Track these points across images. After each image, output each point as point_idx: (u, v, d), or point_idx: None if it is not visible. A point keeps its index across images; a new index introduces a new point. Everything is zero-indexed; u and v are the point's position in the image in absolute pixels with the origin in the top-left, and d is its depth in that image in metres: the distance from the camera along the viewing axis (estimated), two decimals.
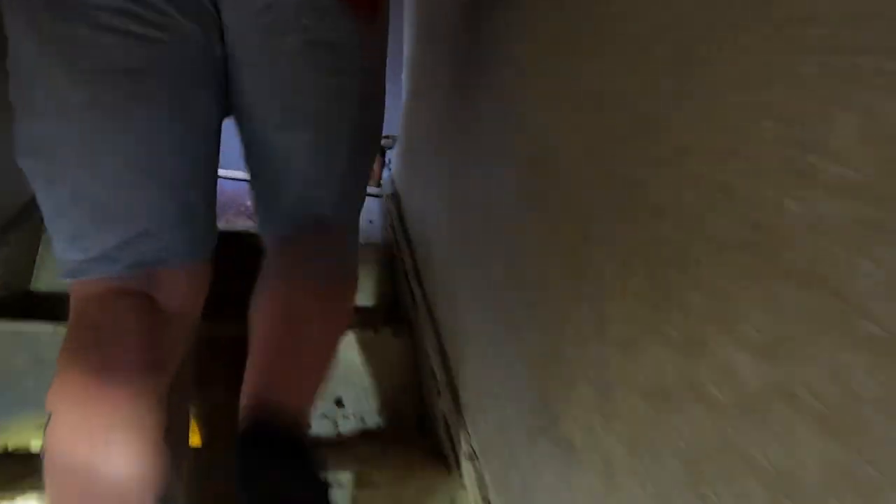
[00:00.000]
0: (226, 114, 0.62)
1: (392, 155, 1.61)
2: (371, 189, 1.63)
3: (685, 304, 0.34)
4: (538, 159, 0.61)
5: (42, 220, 0.53)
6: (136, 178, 0.51)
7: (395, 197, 1.49)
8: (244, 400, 0.58)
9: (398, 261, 1.31)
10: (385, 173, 1.62)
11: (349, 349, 1.07)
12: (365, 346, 1.08)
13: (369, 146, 0.72)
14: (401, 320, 1.17)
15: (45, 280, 1.10)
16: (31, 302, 1.08)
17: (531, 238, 0.62)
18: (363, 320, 1.19)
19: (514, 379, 0.65)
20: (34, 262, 1.11)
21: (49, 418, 0.47)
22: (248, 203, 1.59)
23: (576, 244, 0.51)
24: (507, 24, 0.75)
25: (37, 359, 0.89)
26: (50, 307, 1.06)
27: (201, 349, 0.79)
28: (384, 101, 0.72)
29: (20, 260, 1.07)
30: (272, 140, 0.63)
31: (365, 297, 1.33)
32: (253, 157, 0.66)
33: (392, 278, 1.35)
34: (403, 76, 1.60)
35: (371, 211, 1.61)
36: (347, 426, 1.06)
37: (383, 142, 1.62)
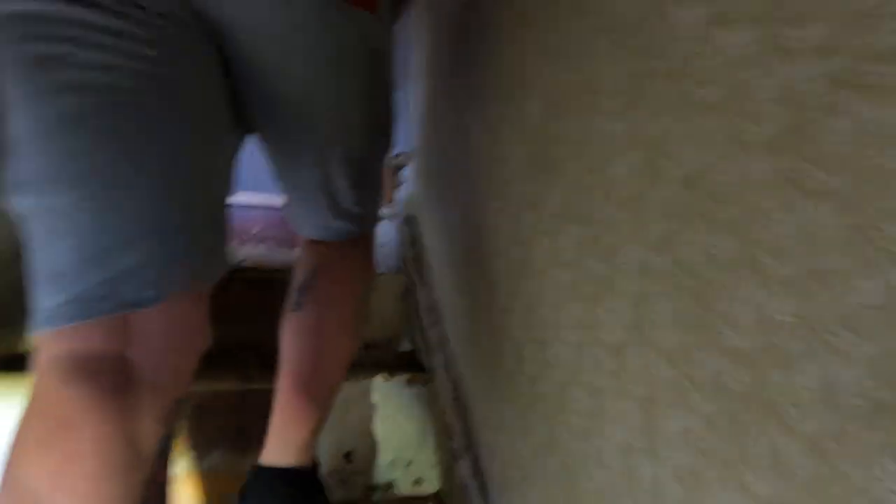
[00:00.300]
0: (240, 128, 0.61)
1: (406, 174, 1.50)
2: (382, 209, 1.53)
3: None
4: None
5: None
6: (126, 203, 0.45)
7: (410, 222, 1.39)
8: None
9: (412, 294, 1.20)
10: (399, 194, 1.51)
11: (360, 397, 0.97)
12: (376, 394, 0.98)
13: (379, 141, 0.70)
14: (417, 365, 1.07)
15: None
16: None
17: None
18: (375, 361, 1.08)
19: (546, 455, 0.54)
20: None
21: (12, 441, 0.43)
22: (255, 230, 1.50)
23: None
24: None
25: None
26: None
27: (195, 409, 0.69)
28: (391, 98, 0.70)
29: None
30: (280, 135, 0.62)
31: (377, 330, 1.23)
32: (271, 160, 0.67)
33: (407, 312, 1.24)
34: (415, 88, 1.50)
35: (383, 234, 1.50)
36: (357, 483, 0.96)
37: (396, 160, 1.51)
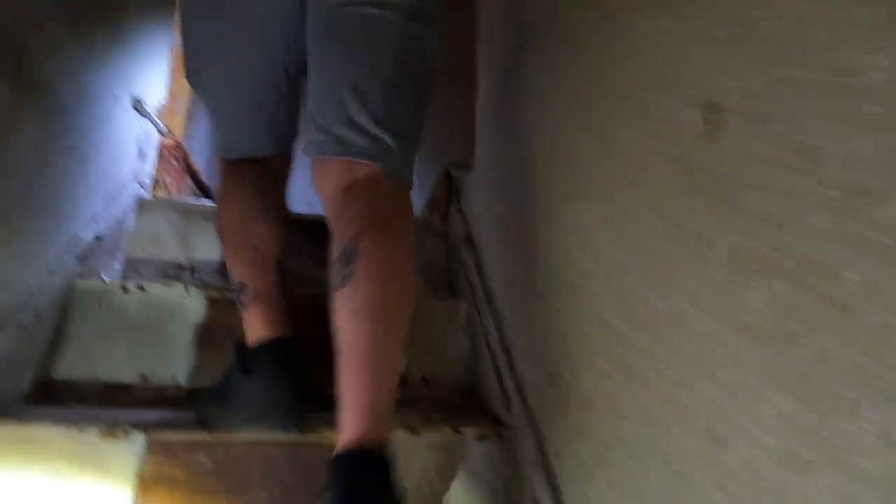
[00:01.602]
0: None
1: (464, 187, 1.35)
2: (436, 227, 1.38)
3: None
4: None
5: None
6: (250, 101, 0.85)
7: (470, 243, 1.23)
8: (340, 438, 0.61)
9: (478, 328, 1.04)
10: (455, 209, 1.36)
11: (422, 452, 0.81)
12: (442, 453, 0.82)
13: (413, 92, 0.76)
14: (490, 416, 0.90)
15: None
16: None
17: None
18: (440, 412, 0.92)
19: None
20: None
21: (218, 210, 0.90)
22: None
23: None
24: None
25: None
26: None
27: None
28: (434, 58, 0.80)
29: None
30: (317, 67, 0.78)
31: (437, 365, 1.07)
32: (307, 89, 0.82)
33: (472, 347, 1.08)
34: (481, 88, 1.35)
35: (437, 250, 1.36)
36: None
37: (454, 171, 1.37)
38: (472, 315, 1.09)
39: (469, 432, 0.83)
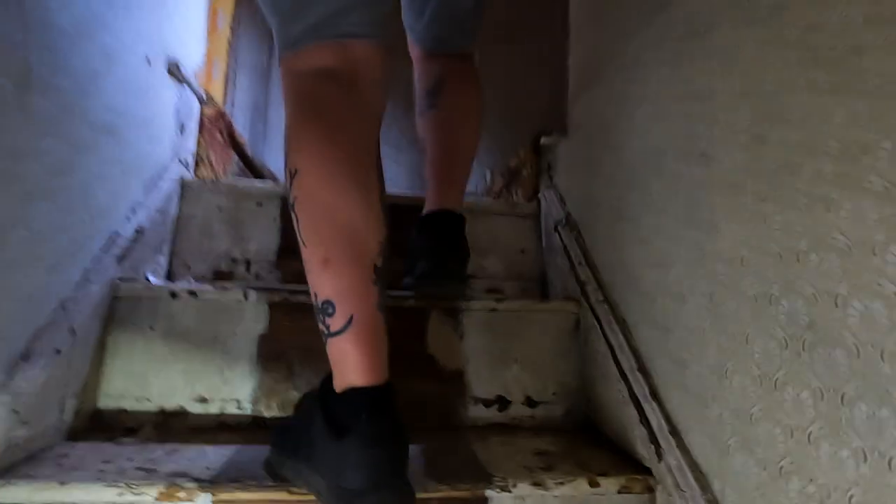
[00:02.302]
0: None
1: (557, 157, 1.12)
2: (522, 207, 1.17)
3: None
4: None
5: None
6: None
7: (570, 224, 1.01)
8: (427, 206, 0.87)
9: (595, 336, 0.84)
10: (546, 184, 1.14)
11: None
12: None
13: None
14: (624, 456, 0.70)
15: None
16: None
17: None
18: (558, 449, 0.74)
19: None
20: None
21: (295, 172, 0.58)
22: None
23: None
24: None
25: None
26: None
27: None
28: None
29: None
30: None
31: (543, 384, 0.88)
32: None
33: (587, 360, 0.88)
34: (573, 51, 1.09)
35: (523, 236, 1.14)
36: None
37: (544, 138, 1.13)
38: (585, 319, 0.89)
39: (608, 484, 0.65)
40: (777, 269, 0.51)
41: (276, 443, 0.62)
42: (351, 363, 0.55)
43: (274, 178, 1.87)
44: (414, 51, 0.96)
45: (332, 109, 0.60)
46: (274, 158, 2.73)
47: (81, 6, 0.71)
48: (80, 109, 0.72)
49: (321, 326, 0.57)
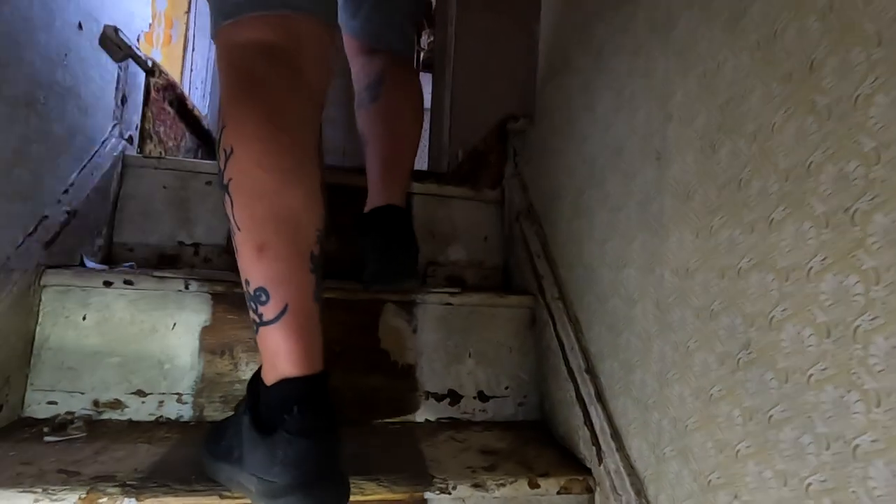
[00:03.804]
0: None
1: (524, 144, 1.09)
2: (486, 194, 1.14)
3: None
4: None
5: None
6: None
7: (532, 216, 0.99)
8: (369, 202, 0.86)
9: (549, 333, 0.83)
10: (509, 171, 1.11)
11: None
12: None
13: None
14: (570, 457, 0.71)
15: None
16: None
17: None
18: (505, 448, 0.74)
19: None
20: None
21: (230, 152, 0.54)
22: None
23: None
24: None
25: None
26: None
27: None
28: None
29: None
30: None
31: (496, 379, 0.88)
32: None
33: (541, 356, 0.88)
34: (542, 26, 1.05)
35: (486, 223, 1.12)
36: None
37: (510, 123, 1.10)
38: (541, 315, 0.88)
39: (549, 485, 0.65)
40: (720, 285, 0.50)
41: (208, 447, 0.60)
42: (283, 353, 0.53)
43: None
44: (350, 47, 0.92)
45: (271, 88, 0.56)
46: None
47: None
48: None
49: (253, 315, 0.55)
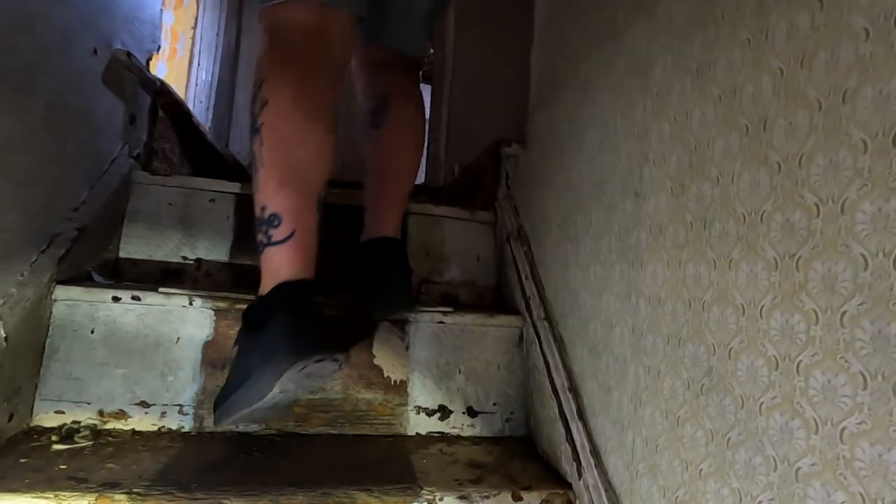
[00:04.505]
0: None
1: (516, 167, 1.13)
2: (479, 214, 1.18)
3: None
4: None
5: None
6: None
7: (521, 238, 1.03)
8: (366, 232, 0.91)
9: (536, 352, 0.87)
10: (502, 193, 1.16)
11: None
12: None
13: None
14: (552, 471, 0.75)
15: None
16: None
17: None
18: (491, 461, 0.78)
19: None
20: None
21: (266, 102, 0.67)
22: None
23: None
24: None
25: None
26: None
27: None
28: None
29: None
30: None
31: (485, 395, 0.92)
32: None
33: (528, 374, 0.92)
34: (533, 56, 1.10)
35: (479, 243, 1.17)
36: None
37: (504, 147, 1.14)
38: (528, 334, 0.92)
39: (531, 498, 0.69)
40: (686, 315, 0.54)
41: (217, 401, 0.67)
42: (286, 266, 0.66)
43: (238, 165, 1.83)
44: (360, 54, 0.95)
45: (305, 57, 0.69)
46: (241, 139, 2.66)
47: (13, 11, 0.68)
48: (14, 108, 0.70)
49: (261, 237, 0.67)
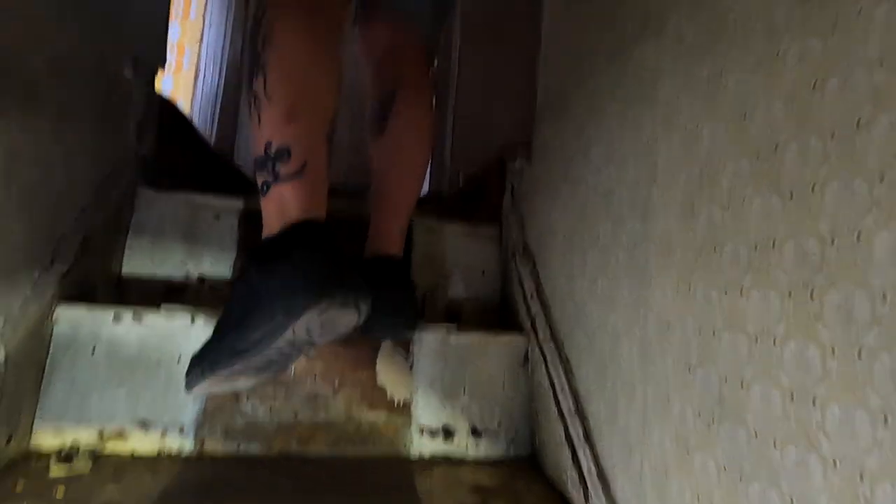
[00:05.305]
0: None
1: (521, 180, 1.13)
2: (484, 228, 1.18)
3: None
4: None
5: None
6: None
7: (526, 254, 1.03)
8: (369, 247, 0.87)
9: (541, 373, 0.86)
10: (507, 203, 1.15)
11: None
12: None
13: None
14: (560, 497, 0.73)
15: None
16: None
17: None
18: (496, 482, 0.76)
19: None
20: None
21: (269, 37, 0.64)
22: None
23: None
24: None
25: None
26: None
27: None
28: None
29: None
30: None
31: (490, 415, 0.90)
32: None
33: (533, 395, 0.90)
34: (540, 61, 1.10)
35: (484, 257, 1.16)
36: None
37: (509, 160, 1.14)
38: (533, 354, 0.91)
39: None
40: (696, 340, 0.53)
41: (207, 345, 0.62)
42: (296, 203, 0.61)
43: (241, 175, 1.84)
44: (362, 40, 0.92)
45: (320, 8, 0.68)
46: (247, 150, 2.67)
47: (24, 28, 0.69)
48: (19, 121, 0.70)
49: (266, 176, 0.62)
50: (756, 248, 0.46)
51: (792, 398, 0.42)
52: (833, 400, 0.38)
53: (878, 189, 0.36)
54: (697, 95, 0.56)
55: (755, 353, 0.45)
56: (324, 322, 0.59)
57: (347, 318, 0.61)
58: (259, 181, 0.63)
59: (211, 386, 0.63)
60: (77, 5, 0.82)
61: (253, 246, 1.04)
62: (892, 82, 0.36)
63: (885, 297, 0.35)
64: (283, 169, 0.61)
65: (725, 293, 0.50)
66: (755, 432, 0.45)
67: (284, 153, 0.61)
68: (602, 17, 0.82)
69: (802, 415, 0.41)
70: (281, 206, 0.61)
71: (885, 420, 0.35)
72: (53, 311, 0.78)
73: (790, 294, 0.42)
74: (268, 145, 0.62)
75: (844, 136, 0.39)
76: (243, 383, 0.66)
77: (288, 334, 0.56)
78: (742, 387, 0.47)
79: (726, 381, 0.49)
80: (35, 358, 0.75)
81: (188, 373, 0.62)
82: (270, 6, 0.66)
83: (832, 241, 0.39)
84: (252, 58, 0.65)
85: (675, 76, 0.61)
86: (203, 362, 0.60)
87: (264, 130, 0.63)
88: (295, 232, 0.60)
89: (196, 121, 1.94)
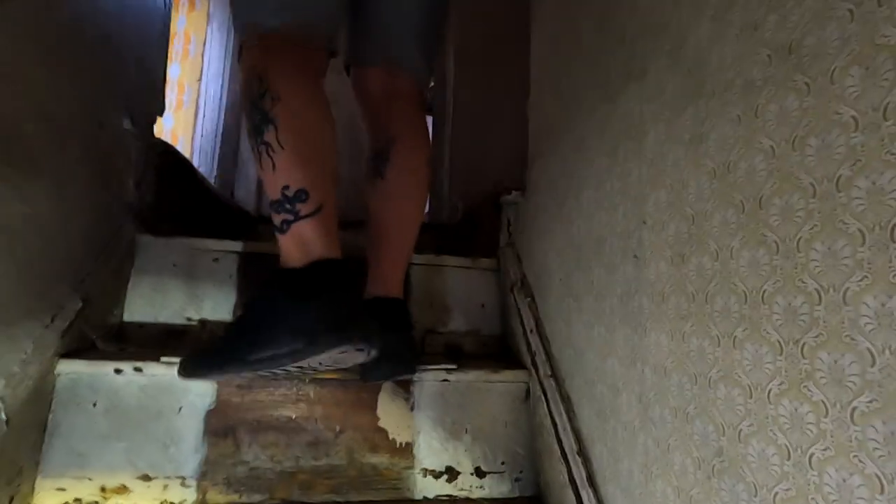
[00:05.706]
0: None
1: (517, 214, 1.14)
2: (482, 262, 1.18)
3: None
4: None
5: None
6: None
7: (525, 288, 1.03)
8: (369, 289, 0.89)
9: (542, 411, 0.85)
10: (504, 240, 1.16)
11: None
12: None
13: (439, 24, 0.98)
14: None
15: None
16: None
17: None
18: None
19: None
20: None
21: (277, 97, 0.69)
22: None
23: None
24: None
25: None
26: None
27: None
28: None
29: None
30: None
31: (494, 455, 0.89)
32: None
33: (535, 432, 0.90)
34: (532, 99, 1.11)
35: (484, 291, 1.16)
36: None
37: (504, 195, 1.15)
38: (534, 391, 0.90)
39: None
40: (693, 390, 0.53)
41: (215, 346, 0.67)
42: (317, 242, 0.68)
43: (243, 213, 1.86)
44: (358, 88, 0.94)
45: (297, 52, 0.73)
46: (247, 187, 2.70)
47: (23, 95, 0.71)
48: (19, 194, 0.71)
49: (286, 215, 0.68)
50: (746, 300, 0.46)
51: (789, 456, 0.41)
52: (829, 462, 0.38)
53: (861, 251, 0.37)
54: (682, 145, 0.57)
55: (751, 406, 0.45)
56: (336, 359, 0.68)
57: (357, 358, 0.70)
58: (277, 220, 0.69)
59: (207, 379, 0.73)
60: (74, 67, 0.84)
61: (252, 289, 1.04)
62: (868, 144, 0.36)
63: (874, 360, 0.35)
64: (302, 208, 0.68)
65: (719, 344, 0.50)
66: (755, 489, 0.44)
67: (303, 194, 0.68)
68: (586, 62, 0.83)
69: (800, 475, 0.40)
70: (302, 241, 0.68)
71: (882, 488, 0.34)
72: (54, 367, 0.78)
73: (782, 350, 0.42)
74: (285, 188, 0.68)
75: (826, 194, 0.40)
76: (238, 379, 0.76)
77: (302, 363, 0.64)
78: (740, 440, 0.46)
79: (724, 433, 0.48)
80: (37, 417, 0.75)
81: (186, 364, 0.67)
82: (270, 69, 0.70)
83: (819, 300, 0.39)
84: (256, 111, 0.70)
85: (658, 125, 0.62)
86: (208, 361, 0.66)
87: (280, 175, 0.69)
88: (321, 270, 0.67)
89: (197, 158, 1.97)
